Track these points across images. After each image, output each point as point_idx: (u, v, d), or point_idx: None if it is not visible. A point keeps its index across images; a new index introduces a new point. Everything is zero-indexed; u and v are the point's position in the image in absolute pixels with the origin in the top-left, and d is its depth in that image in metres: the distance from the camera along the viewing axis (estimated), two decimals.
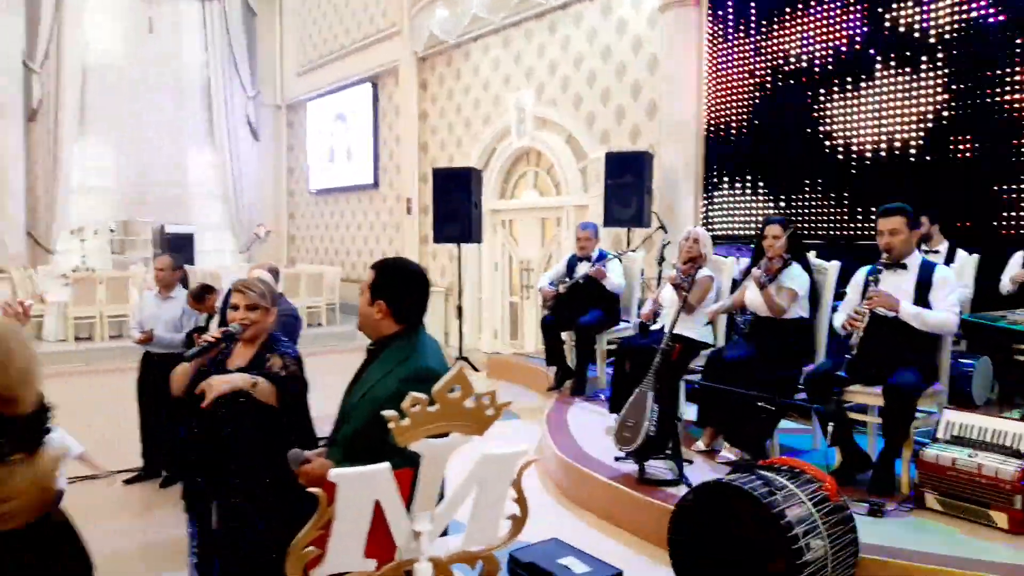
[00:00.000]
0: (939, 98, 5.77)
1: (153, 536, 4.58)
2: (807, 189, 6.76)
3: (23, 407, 1.12)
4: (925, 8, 5.82)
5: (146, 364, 5.42)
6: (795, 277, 4.38)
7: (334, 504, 1.92)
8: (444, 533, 2.30)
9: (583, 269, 6.06)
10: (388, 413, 1.94)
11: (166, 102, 15.09)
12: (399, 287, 2.41)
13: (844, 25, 6.37)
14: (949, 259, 5.42)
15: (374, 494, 1.97)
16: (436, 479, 2.09)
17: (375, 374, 2.40)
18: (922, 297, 3.81)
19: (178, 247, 14.35)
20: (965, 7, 5.59)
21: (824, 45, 6.52)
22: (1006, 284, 5.13)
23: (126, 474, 5.48)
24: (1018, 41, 5.34)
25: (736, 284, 5.18)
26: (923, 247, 5.37)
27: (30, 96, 13.29)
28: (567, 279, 6.11)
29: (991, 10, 5.48)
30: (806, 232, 6.61)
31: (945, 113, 5.74)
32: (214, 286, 5.15)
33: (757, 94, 7.15)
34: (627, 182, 7.26)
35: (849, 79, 6.35)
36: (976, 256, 5.35)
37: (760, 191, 7.16)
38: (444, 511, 2.13)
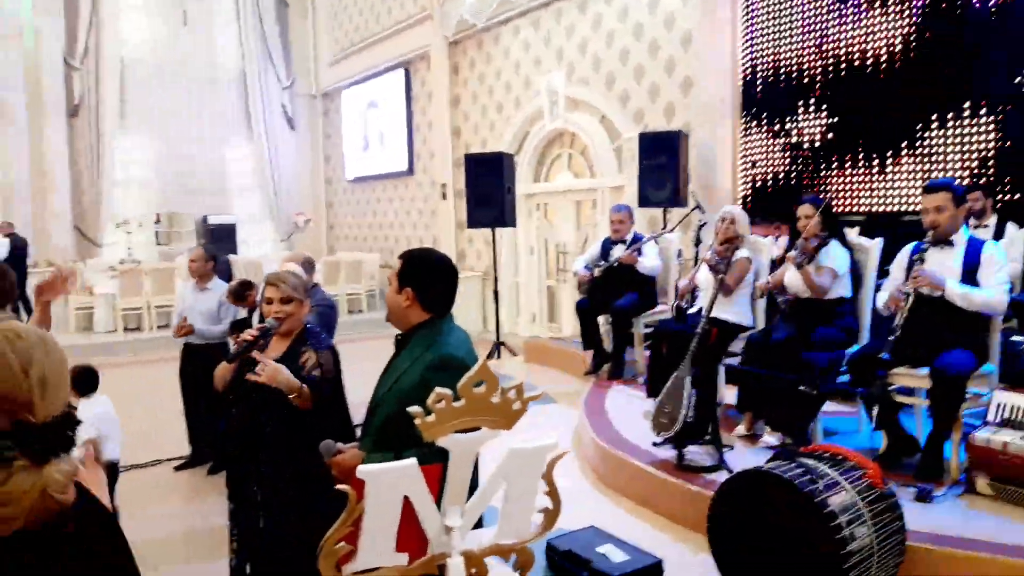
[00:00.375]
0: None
1: (199, 522, 4.68)
2: (848, 163, 6.57)
3: (38, 416, 1.11)
4: None
5: (187, 354, 5.53)
6: (834, 256, 4.26)
7: (363, 501, 1.91)
8: (479, 523, 2.29)
9: (618, 252, 5.99)
10: (413, 409, 1.92)
11: (203, 94, 15.27)
12: (426, 275, 2.41)
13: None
14: (998, 234, 5.23)
15: (403, 490, 1.96)
16: (465, 474, 2.07)
17: (402, 364, 2.41)
18: (970, 275, 3.67)
19: (220, 238, 14.60)
20: None
21: (867, 22, 6.30)
22: None
23: (175, 461, 5.62)
24: None
25: (775, 265, 5.07)
26: (971, 222, 5.19)
27: (71, 93, 13.56)
28: (602, 262, 6.04)
29: None
30: (846, 210, 6.45)
31: None
32: (252, 281, 5.19)
33: (794, 70, 6.95)
34: (661, 162, 7.14)
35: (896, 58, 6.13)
36: None
37: (798, 169, 6.98)
38: (474, 506, 2.12)
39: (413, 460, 1.94)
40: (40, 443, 1.11)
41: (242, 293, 5.10)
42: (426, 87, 12.78)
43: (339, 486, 1.92)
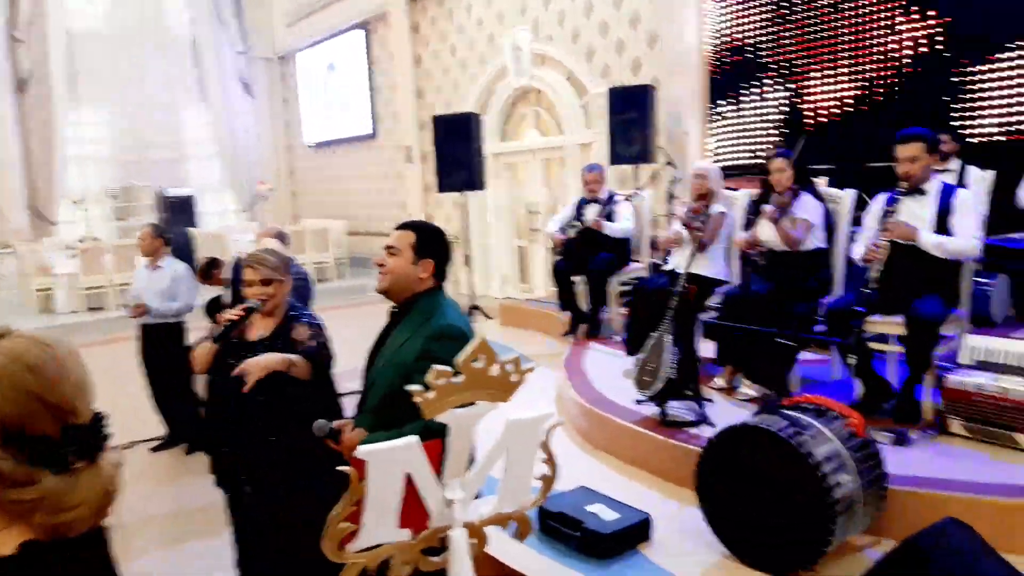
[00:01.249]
0: None
1: (185, 502, 4.67)
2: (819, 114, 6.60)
3: (82, 418, 1.17)
4: None
5: (145, 335, 5.45)
6: (808, 207, 4.30)
7: (365, 480, 1.92)
8: (478, 495, 2.31)
9: (592, 212, 5.98)
10: (413, 388, 1.92)
11: (155, 62, 14.80)
12: (442, 247, 2.45)
13: None
14: (961, 178, 5.31)
15: (404, 468, 1.97)
16: (465, 447, 2.09)
17: (399, 338, 2.41)
18: (942, 222, 3.73)
19: (179, 210, 14.30)
20: None
21: None
22: (1023, 198, 5.02)
23: (151, 442, 5.57)
24: None
25: (748, 218, 5.11)
26: (935, 166, 5.26)
27: (17, 67, 13.04)
28: (576, 223, 6.03)
29: None
30: (817, 161, 6.49)
31: None
32: (220, 259, 5.10)
33: (763, 17, 6.93)
34: (631, 118, 7.09)
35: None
36: (992, 173, 5.23)
37: (768, 121, 7.00)
38: (475, 478, 2.14)
39: (415, 438, 1.95)
40: (90, 441, 1.17)
41: (209, 272, 5.02)
42: (387, 47, 12.52)
43: (340, 467, 1.92)
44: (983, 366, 3.51)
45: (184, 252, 6.22)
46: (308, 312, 2.96)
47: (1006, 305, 5.19)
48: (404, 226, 2.45)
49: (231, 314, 2.76)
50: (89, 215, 13.20)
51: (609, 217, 5.90)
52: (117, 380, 6.40)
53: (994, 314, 4.97)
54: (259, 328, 2.86)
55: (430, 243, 2.41)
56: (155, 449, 5.51)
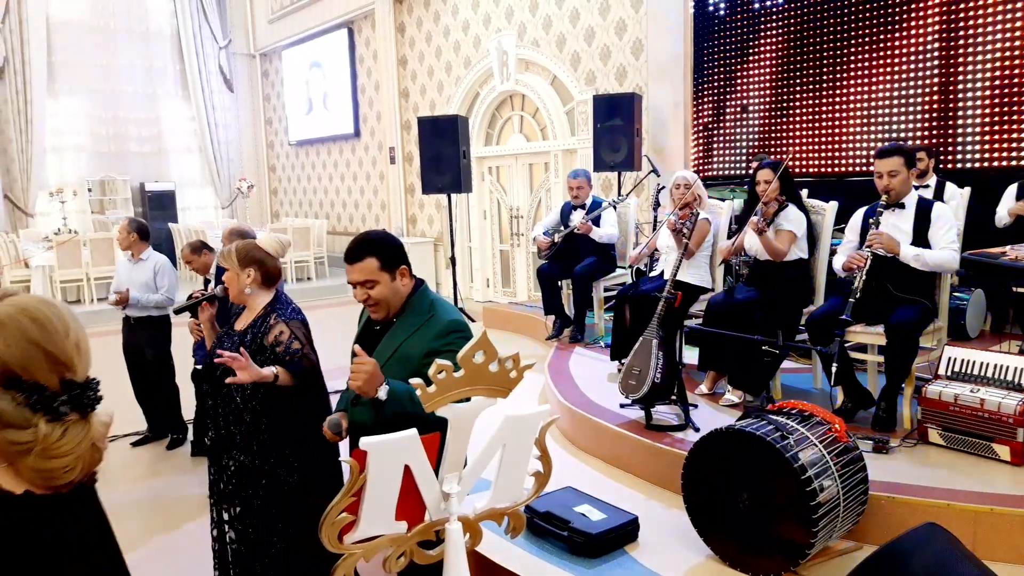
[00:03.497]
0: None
1: (170, 493, 4.64)
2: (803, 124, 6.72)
3: (78, 375, 1.24)
4: None
5: (126, 329, 5.43)
6: (792, 219, 4.38)
7: (366, 471, 1.93)
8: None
9: (577, 217, 6.02)
10: (415, 381, 1.95)
11: (136, 55, 14.64)
12: (396, 247, 2.44)
13: None
14: (938, 193, 5.44)
15: (404, 460, 1.99)
16: (463, 442, 2.11)
17: (399, 336, 2.42)
18: (921, 235, 3.82)
19: (160, 205, 14.16)
20: None
21: None
22: (1003, 216, 5.16)
23: (131, 437, 5.52)
24: None
25: (732, 228, 5.19)
26: (914, 182, 5.39)
27: None
28: (562, 228, 6.08)
29: None
30: (798, 170, 6.61)
31: None
32: (210, 246, 5.09)
33: (747, 28, 7.04)
34: (616, 125, 7.17)
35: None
36: (968, 190, 5.36)
37: (752, 128, 7.11)
38: (471, 472, 2.16)
39: (414, 431, 1.97)
40: (84, 397, 1.24)
41: (200, 249, 5.02)
42: (371, 47, 12.51)
43: (342, 459, 1.93)
44: (961, 377, 3.59)
45: (166, 247, 6.18)
46: (293, 307, 2.95)
47: (982, 319, 5.32)
48: (356, 257, 2.36)
49: (196, 292, 2.87)
50: (66, 207, 13.01)
51: (595, 223, 5.95)
52: (96, 374, 6.33)
53: (970, 328, 5.09)
54: (243, 320, 2.92)
55: (389, 253, 2.38)
56: (136, 443, 5.47)
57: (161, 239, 12.54)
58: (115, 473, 4.95)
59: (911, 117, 6.05)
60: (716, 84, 7.38)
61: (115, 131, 14.45)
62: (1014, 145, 5.59)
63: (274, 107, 15.88)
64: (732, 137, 7.31)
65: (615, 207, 6.05)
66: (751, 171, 5.92)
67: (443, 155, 8.13)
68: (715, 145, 7.48)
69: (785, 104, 6.85)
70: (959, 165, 5.86)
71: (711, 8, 7.33)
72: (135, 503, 4.52)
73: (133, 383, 5.44)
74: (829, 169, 6.58)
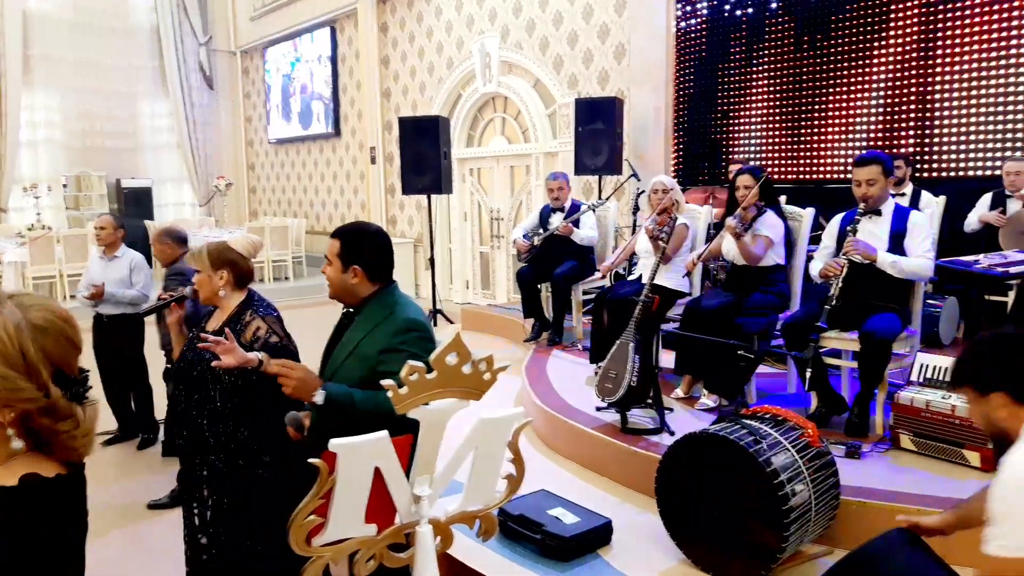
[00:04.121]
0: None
1: (142, 494, 4.57)
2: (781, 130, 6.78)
3: (74, 371, 1.39)
4: None
5: (99, 327, 5.31)
6: (770, 225, 4.40)
7: (334, 473, 1.91)
8: None
9: (557, 220, 6.02)
10: (387, 382, 1.93)
11: (114, 49, 14.42)
12: (368, 248, 2.45)
13: None
14: (914, 201, 5.50)
15: (374, 462, 1.96)
16: (435, 444, 2.09)
17: (357, 334, 2.43)
18: (897, 243, 3.86)
19: (136, 202, 13.98)
20: None
21: None
22: (973, 223, 5.22)
23: (102, 436, 5.43)
24: None
25: (710, 233, 5.21)
26: (890, 190, 5.45)
27: None
28: (541, 231, 6.07)
29: None
30: (777, 177, 6.66)
31: None
32: (183, 237, 4.97)
33: (729, 36, 7.09)
34: (598, 128, 7.18)
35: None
36: (943, 198, 5.43)
37: (733, 135, 7.16)
38: (443, 475, 2.14)
39: (384, 433, 1.95)
40: (81, 389, 1.38)
41: (161, 237, 4.90)
42: (353, 46, 12.45)
43: (310, 460, 1.91)
44: (933, 383, 3.63)
45: (142, 245, 6.12)
46: (268, 304, 2.92)
47: (955, 327, 5.38)
48: (334, 233, 2.48)
49: (165, 294, 2.92)
50: (40, 203, 12.80)
51: (575, 225, 5.95)
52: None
53: (943, 335, 5.15)
54: (215, 320, 2.87)
55: (354, 249, 2.42)
56: (107, 443, 5.38)
57: (137, 236, 12.38)
58: (88, 472, 4.87)
59: (889, 126, 6.12)
60: (698, 90, 7.42)
61: (91, 126, 14.24)
62: (989, 155, 5.67)
63: (254, 104, 15.76)
64: (712, 143, 7.35)
65: (595, 210, 6.05)
66: (731, 177, 5.97)
67: (424, 156, 8.10)
68: (696, 150, 7.52)
69: (765, 111, 6.90)
70: (935, 174, 5.94)
71: (693, 15, 7.38)
72: (106, 504, 4.44)
73: (104, 382, 5.36)
74: (807, 176, 6.63)
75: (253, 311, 2.81)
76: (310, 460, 1.90)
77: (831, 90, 6.43)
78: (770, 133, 6.87)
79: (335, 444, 1.87)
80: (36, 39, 13.46)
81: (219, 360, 2.47)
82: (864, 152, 4.01)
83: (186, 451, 2.87)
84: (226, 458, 2.74)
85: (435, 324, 8.08)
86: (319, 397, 2.25)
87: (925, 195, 5.55)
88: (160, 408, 5.25)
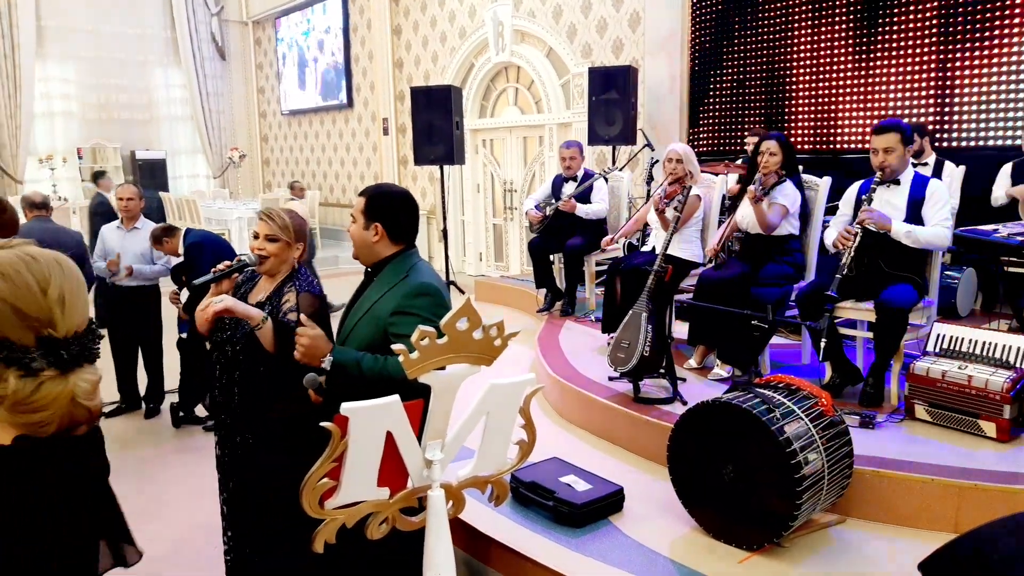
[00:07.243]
0: None
1: (158, 463, 4.62)
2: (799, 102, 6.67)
3: (59, 331, 1.21)
4: None
5: (111, 298, 5.27)
6: (787, 193, 4.35)
7: (347, 437, 1.91)
8: None
9: (569, 189, 5.98)
10: (398, 347, 1.93)
11: (127, 21, 14.37)
12: (392, 209, 2.47)
13: None
14: (937, 172, 5.42)
15: (386, 426, 1.97)
16: (446, 409, 2.10)
17: (374, 295, 2.44)
18: (915, 212, 3.80)
19: (150, 173, 14.02)
20: None
21: None
22: (1000, 196, 5.14)
23: (106, 407, 5.46)
24: None
25: (725, 204, 5.16)
26: (912, 160, 5.37)
27: None
28: (553, 201, 6.03)
29: None
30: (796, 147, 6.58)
31: None
32: (176, 228, 4.97)
33: (745, 3, 6.96)
34: (612, 98, 7.10)
35: None
36: (963, 168, 5.35)
37: (748, 104, 7.06)
38: (454, 440, 2.14)
39: (396, 397, 1.95)
40: (64, 354, 1.20)
41: (161, 238, 4.90)
42: (365, 15, 12.34)
43: (323, 423, 1.91)
44: (949, 354, 3.59)
45: (158, 216, 6.15)
46: (315, 281, 2.85)
47: (972, 298, 5.32)
48: (362, 192, 2.52)
49: (222, 264, 2.70)
50: (56, 174, 12.86)
51: (586, 196, 5.91)
52: None
53: (960, 307, 5.09)
54: (260, 291, 2.76)
55: (378, 207, 2.45)
56: (109, 415, 5.36)
57: (152, 208, 12.42)
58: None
59: (908, 95, 6.01)
60: (713, 59, 7.31)
61: (105, 98, 14.24)
62: (1008, 124, 5.56)
63: (266, 76, 15.69)
64: (728, 112, 7.25)
65: (606, 179, 6.00)
66: (747, 146, 5.89)
67: (436, 126, 8.05)
68: (711, 120, 7.42)
69: (782, 80, 6.79)
70: (954, 144, 5.84)
71: None
72: (123, 474, 4.50)
73: (115, 355, 5.37)
74: (824, 146, 6.54)
75: (292, 284, 2.74)
76: (322, 424, 1.91)
77: (850, 58, 6.31)
78: (787, 102, 6.76)
79: (347, 408, 1.88)
80: (49, 10, 13.42)
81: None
82: (882, 120, 3.93)
83: (221, 424, 2.80)
84: (258, 431, 2.69)
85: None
86: (327, 362, 2.28)
87: (948, 165, 5.46)
88: (169, 380, 5.29)
